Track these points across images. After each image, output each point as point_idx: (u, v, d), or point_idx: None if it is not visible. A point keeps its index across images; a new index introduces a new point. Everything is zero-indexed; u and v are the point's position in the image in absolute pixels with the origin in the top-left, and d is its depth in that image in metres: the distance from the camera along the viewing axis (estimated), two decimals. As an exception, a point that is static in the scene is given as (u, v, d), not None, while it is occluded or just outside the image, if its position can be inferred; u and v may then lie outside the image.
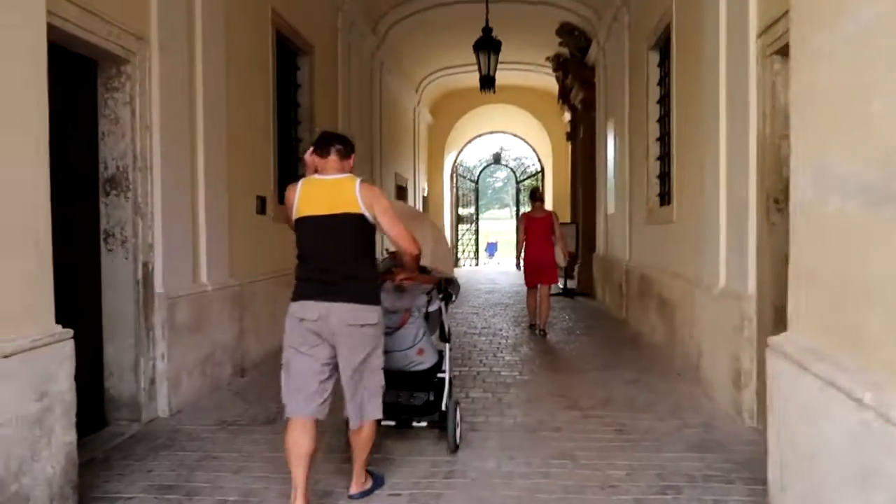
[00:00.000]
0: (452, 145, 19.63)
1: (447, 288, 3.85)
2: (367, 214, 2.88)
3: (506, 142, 22.07)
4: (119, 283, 4.19)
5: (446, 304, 3.81)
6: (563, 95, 14.55)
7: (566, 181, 17.09)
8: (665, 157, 7.28)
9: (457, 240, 20.66)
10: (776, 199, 3.94)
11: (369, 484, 3.20)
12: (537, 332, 7.96)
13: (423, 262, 3.52)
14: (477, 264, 20.94)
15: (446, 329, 3.80)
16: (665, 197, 7.24)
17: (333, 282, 2.87)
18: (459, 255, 20.73)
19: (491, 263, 23.46)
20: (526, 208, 19.55)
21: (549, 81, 15.69)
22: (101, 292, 4.18)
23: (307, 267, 2.95)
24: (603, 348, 6.91)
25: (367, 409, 2.99)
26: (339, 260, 2.90)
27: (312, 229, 2.91)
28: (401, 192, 14.38)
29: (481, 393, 5.06)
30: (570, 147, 15.13)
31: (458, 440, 3.69)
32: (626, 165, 8.94)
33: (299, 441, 2.88)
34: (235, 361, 5.40)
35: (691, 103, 5.75)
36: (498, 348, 6.92)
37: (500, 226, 37.58)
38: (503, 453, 3.72)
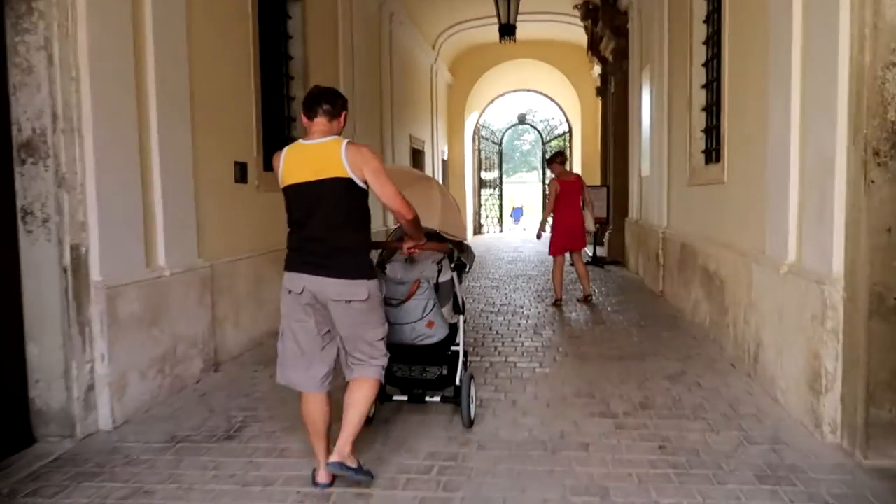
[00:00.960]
0: (474, 105, 18.53)
1: (460, 257, 3.57)
2: (355, 178, 2.69)
3: (532, 101, 20.87)
4: (42, 270, 3.42)
5: (459, 275, 3.56)
6: (593, 46, 13.34)
7: (596, 141, 15.95)
8: (713, 107, 6.22)
9: (479, 206, 19.70)
10: (877, 151, 2.95)
11: (353, 464, 2.79)
12: (580, 299, 7.46)
13: (431, 224, 3.35)
14: (501, 231, 20.00)
15: (460, 300, 3.56)
16: (712, 154, 6.21)
17: (319, 253, 2.72)
18: (483, 221, 19.80)
19: (516, 229, 22.52)
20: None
21: (577, 33, 14.45)
22: (21, 282, 3.42)
23: (294, 236, 2.82)
24: (639, 330, 6.00)
25: (361, 367, 2.86)
26: (325, 229, 2.72)
27: (298, 197, 2.76)
28: (417, 157, 13.46)
29: (492, 392, 4.21)
30: (600, 104, 13.98)
31: (472, 416, 3.52)
32: (664, 119, 7.88)
33: (312, 415, 2.82)
34: (207, 356, 4.64)
35: (751, 33, 4.70)
36: (517, 331, 6.06)
37: (526, 189, 36.48)
38: (513, 483, 2.90)
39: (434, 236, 3.40)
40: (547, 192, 7.27)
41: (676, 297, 6.98)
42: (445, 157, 17.14)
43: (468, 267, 3.66)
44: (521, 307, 7.32)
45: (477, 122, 19.41)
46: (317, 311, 2.77)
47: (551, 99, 19.38)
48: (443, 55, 15.64)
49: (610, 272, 10.27)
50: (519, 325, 6.35)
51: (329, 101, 2.79)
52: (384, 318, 2.93)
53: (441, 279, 3.41)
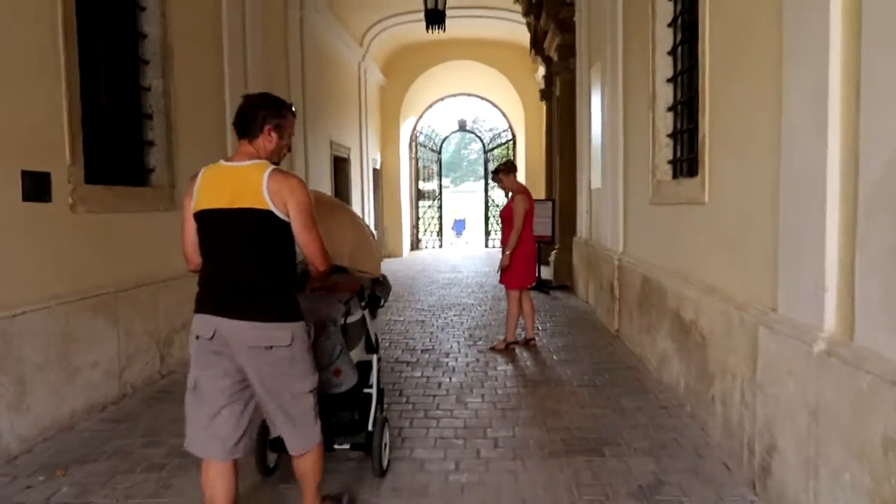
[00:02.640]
0: (410, 110, 17.08)
1: (374, 290, 3.29)
2: (276, 212, 2.31)
3: (474, 107, 19.56)
4: None
5: (373, 310, 3.34)
6: (536, 44, 12.11)
7: (540, 150, 14.74)
8: (683, 106, 4.93)
9: (417, 219, 18.23)
10: None
11: None
12: (520, 342, 6.12)
13: (341, 262, 3.06)
14: (441, 245, 18.56)
15: (372, 338, 3.30)
16: (683, 165, 4.91)
17: (232, 292, 2.35)
18: (421, 235, 18.33)
19: (458, 243, 21.19)
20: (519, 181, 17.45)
21: (520, 33, 13.23)
22: None
23: (205, 271, 2.45)
24: (593, 393, 4.61)
25: (298, 438, 2.50)
26: (240, 265, 2.35)
27: (210, 226, 2.39)
28: (340, 166, 11.90)
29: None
30: (544, 108, 12.74)
31: (384, 463, 3.26)
32: (618, 123, 6.58)
33: (216, 486, 2.40)
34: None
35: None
36: (434, 398, 4.58)
37: (471, 199, 35.20)
38: None
39: (341, 269, 3.09)
40: (512, 208, 5.75)
41: (637, 343, 5.65)
42: (378, 167, 15.61)
43: (383, 301, 3.36)
44: (448, 354, 5.85)
45: (414, 128, 17.97)
46: (229, 360, 2.38)
47: (493, 104, 18.11)
48: (373, 54, 14.14)
49: (556, 300, 8.93)
50: (439, 385, 4.88)
51: (246, 115, 2.43)
52: (314, 368, 2.52)
53: (350, 319, 3.09)
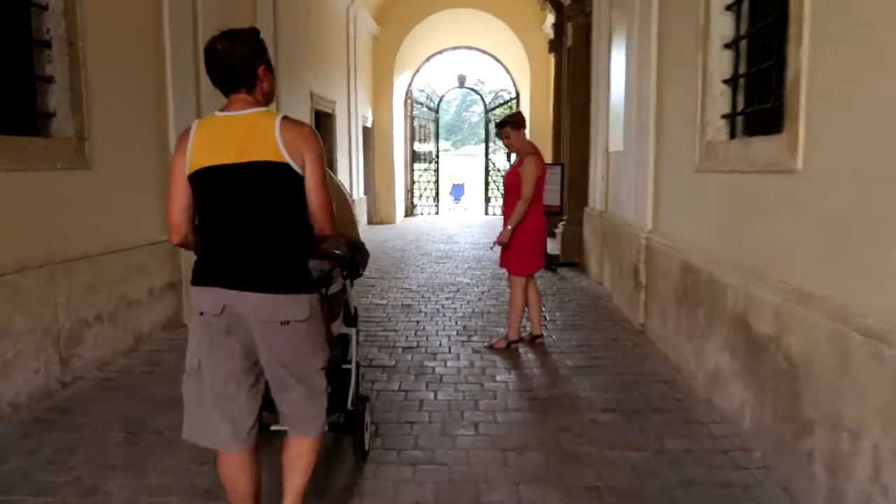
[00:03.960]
0: (405, 64, 15.66)
1: (353, 257, 2.88)
2: (293, 164, 2.02)
3: (475, 61, 18.04)
4: None
5: (352, 280, 3.00)
6: (545, -12, 10.70)
7: (547, 109, 13.42)
8: (753, 40, 3.68)
9: (412, 183, 16.95)
10: None
11: None
12: (526, 339, 5.00)
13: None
14: (437, 212, 17.32)
15: (352, 310, 3.02)
16: (752, 120, 3.68)
17: (243, 260, 2.05)
18: (416, 200, 17.09)
19: (456, 209, 19.95)
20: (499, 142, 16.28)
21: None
22: None
23: (208, 238, 2.11)
24: (622, 421, 3.48)
25: (302, 419, 2.20)
26: (252, 228, 2.04)
27: (214, 185, 2.04)
28: (323, 122, 10.61)
29: None
30: (552, 61, 11.38)
31: (367, 445, 3.01)
32: (650, 72, 5.32)
33: (236, 482, 2.18)
34: None
35: None
36: (416, 422, 3.44)
37: (470, 163, 33.74)
38: None
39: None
40: (520, 173, 4.53)
41: (673, 347, 4.50)
42: (368, 124, 14.28)
43: (361, 270, 3.01)
44: (435, 355, 4.71)
45: (409, 84, 16.55)
46: (239, 338, 2.08)
47: (496, 59, 16.66)
48: (364, -2, 12.70)
49: (564, 280, 7.77)
50: (421, 405, 3.73)
51: (233, 64, 2.06)
52: (325, 343, 2.22)
53: (331, 290, 2.73)
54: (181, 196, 2.09)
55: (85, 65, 4.21)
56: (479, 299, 6.63)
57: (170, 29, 5.25)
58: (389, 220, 14.93)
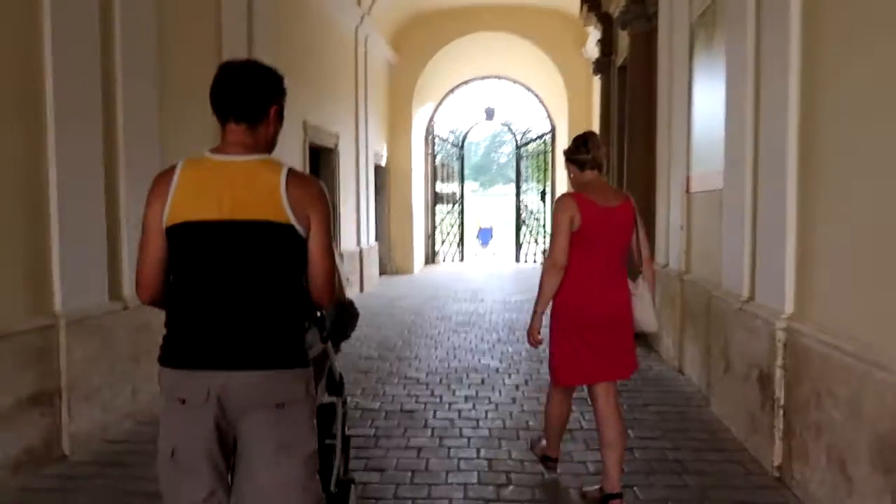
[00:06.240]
0: (427, 96, 14.00)
1: (340, 317, 2.41)
2: (298, 227, 1.77)
3: (504, 93, 16.31)
4: None
5: (336, 343, 2.56)
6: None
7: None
8: None
9: (433, 227, 15.13)
10: None
11: None
12: (589, 495, 3.16)
13: None
14: (462, 258, 15.40)
15: (336, 376, 2.59)
16: None
17: (234, 335, 1.77)
18: (437, 246, 15.23)
19: (483, 254, 18.05)
20: (561, 184, 14.71)
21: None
22: None
23: (187, 308, 1.80)
24: None
25: None
26: (245, 296, 1.78)
27: (200, 244, 1.78)
28: (321, 158, 8.88)
29: None
30: (598, 85, 9.54)
31: None
32: (784, 71, 3.40)
33: None
34: None
35: None
36: None
37: (499, 203, 31.90)
38: None
39: None
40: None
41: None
42: (382, 162, 12.55)
43: (349, 331, 2.50)
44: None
45: (431, 118, 14.88)
46: (223, 421, 1.78)
47: (528, 89, 14.92)
48: (377, 20, 11.08)
49: (638, 368, 5.72)
50: None
51: (246, 93, 1.81)
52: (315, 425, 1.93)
53: (310, 354, 2.13)
54: (156, 250, 1.79)
55: None
56: (513, 400, 4.66)
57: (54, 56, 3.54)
58: (407, 270, 13.07)
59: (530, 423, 4.16)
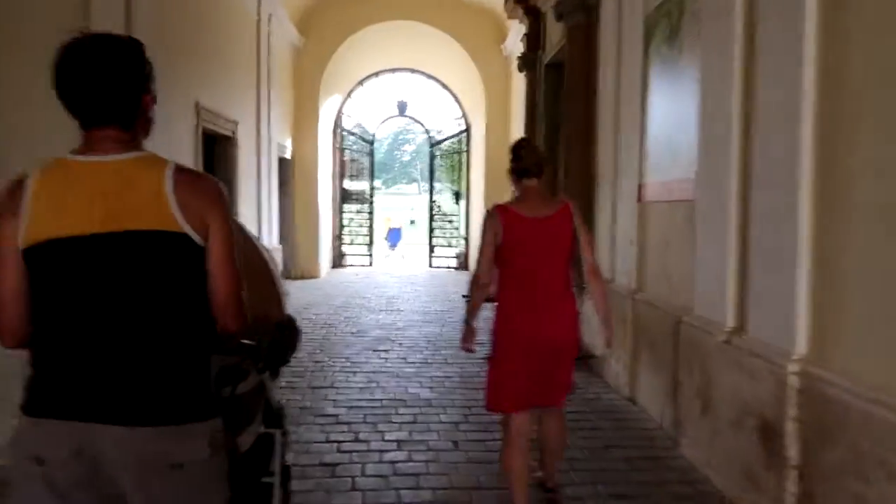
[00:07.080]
0: (334, 85, 12.97)
1: (276, 339, 2.10)
2: (191, 234, 1.45)
3: (416, 88, 15.58)
4: None
5: (274, 370, 2.23)
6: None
7: (508, 144, 10.96)
8: None
9: (341, 227, 14.14)
10: None
11: None
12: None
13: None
14: (371, 263, 14.51)
15: (274, 407, 2.29)
16: None
17: (112, 378, 1.42)
18: (344, 248, 14.26)
19: (392, 257, 17.29)
20: (476, 186, 14.17)
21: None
22: None
23: (52, 345, 1.47)
24: None
25: None
26: (126, 328, 1.44)
27: (66, 266, 1.44)
28: (216, 147, 7.75)
29: None
30: (525, 80, 8.98)
31: None
32: (796, 59, 2.86)
33: None
34: None
35: None
36: None
37: (405, 202, 31.14)
38: None
39: None
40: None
41: None
42: (287, 155, 11.44)
43: (289, 356, 2.19)
44: None
45: (339, 110, 13.87)
46: (98, 494, 1.43)
47: (445, 86, 14.25)
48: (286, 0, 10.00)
49: (574, 390, 5.14)
50: None
51: (111, 88, 1.44)
52: (227, 486, 1.56)
53: (241, 389, 1.95)
54: (14, 281, 1.44)
55: None
56: (455, 444, 3.91)
57: None
58: (312, 274, 12.02)
59: (481, 479, 3.43)
